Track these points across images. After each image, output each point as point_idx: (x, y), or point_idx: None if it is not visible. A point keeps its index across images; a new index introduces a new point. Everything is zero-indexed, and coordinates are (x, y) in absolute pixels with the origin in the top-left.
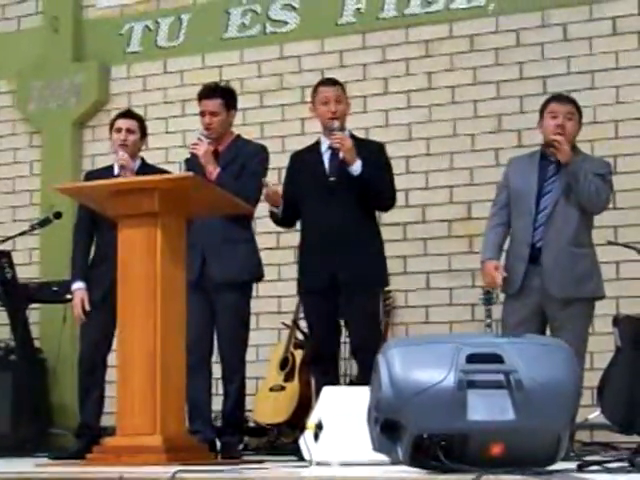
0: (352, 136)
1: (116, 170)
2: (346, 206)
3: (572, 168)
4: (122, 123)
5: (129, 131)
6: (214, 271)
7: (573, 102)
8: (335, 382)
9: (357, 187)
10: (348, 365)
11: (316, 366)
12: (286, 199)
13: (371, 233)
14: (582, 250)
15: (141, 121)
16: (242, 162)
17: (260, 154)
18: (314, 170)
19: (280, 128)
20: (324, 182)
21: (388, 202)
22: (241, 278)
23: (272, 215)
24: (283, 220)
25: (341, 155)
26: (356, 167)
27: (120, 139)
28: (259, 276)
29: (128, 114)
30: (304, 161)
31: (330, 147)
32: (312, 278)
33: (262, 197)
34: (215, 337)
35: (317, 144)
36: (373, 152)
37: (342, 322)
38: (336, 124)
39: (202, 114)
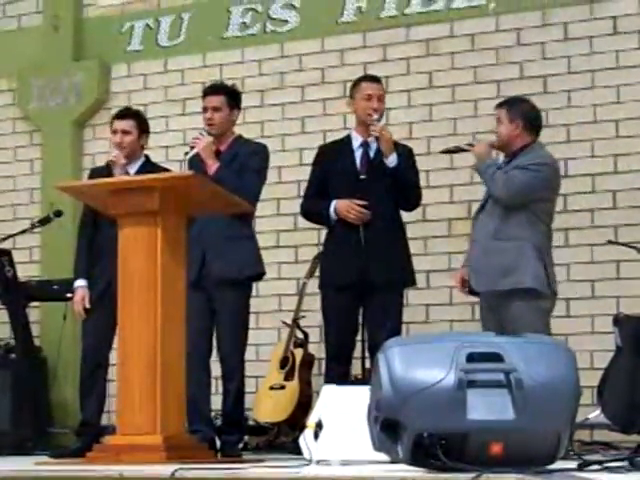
0: None
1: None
2: (376, 204)
3: (475, 166)
4: (117, 125)
5: (124, 132)
6: (215, 268)
7: (503, 104)
8: (346, 382)
9: (389, 182)
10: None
11: (332, 365)
12: (316, 192)
13: (399, 232)
14: (505, 243)
15: (139, 118)
16: (242, 160)
17: (260, 152)
18: (344, 166)
19: (281, 127)
20: (355, 179)
21: (416, 200)
22: (243, 275)
23: (317, 217)
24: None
25: (380, 146)
26: (392, 159)
27: (116, 142)
28: (261, 273)
29: (124, 114)
30: (334, 155)
31: (362, 144)
32: (338, 274)
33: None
34: (215, 336)
35: (348, 139)
36: (402, 153)
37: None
38: (376, 116)
39: (204, 110)
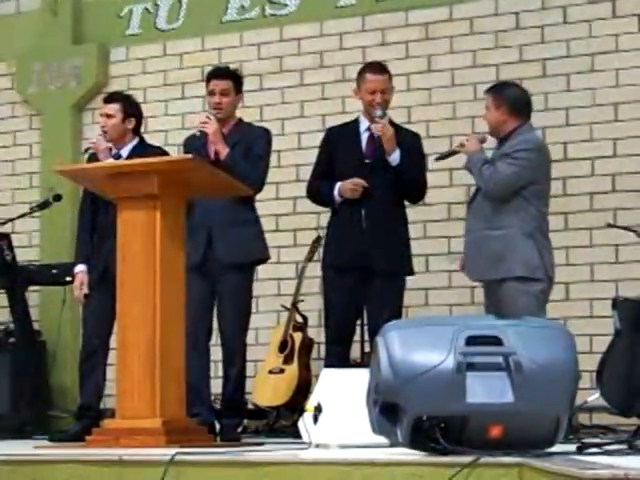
0: (391, 122)
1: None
2: (379, 190)
3: (465, 164)
4: (103, 109)
5: (108, 116)
6: (221, 252)
7: (489, 90)
8: (347, 365)
9: (392, 175)
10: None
11: (332, 347)
12: (322, 173)
13: (401, 220)
14: (495, 232)
15: (124, 101)
16: (247, 145)
17: (264, 136)
18: (350, 150)
19: (280, 111)
20: (360, 163)
21: (419, 193)
22: (250, 259)
23: (321, 198)
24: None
25: (383, 143)
26: (394, 157)
27: (100, 126)
28: (266, 257)
29: (107, 98)
30: (341, 138)
31: (369, 129)
32: (339, 256)
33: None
34: (216, 319)
35: (356, 122)
36: (409, 141)
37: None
38: (379, 112)
39: (211, 93)
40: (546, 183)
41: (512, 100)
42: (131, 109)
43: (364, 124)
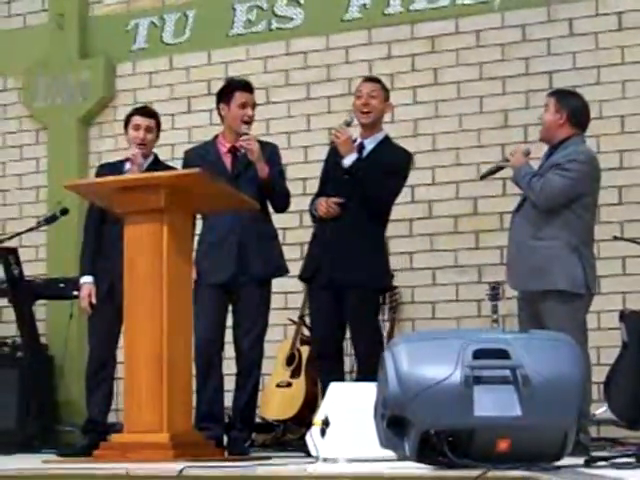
0: (387, 137)
1: (127, 165)
2: (351, 205)
3: (512, 178)
4: (141, 121)
5: (148, 130)
6: (259, 268)
7: (553, 93)
8: (340, 379)
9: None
10: (354, 361)
11: (320, 363)
12: (322, 189)
13: (370, 235)
14: (539, 243)
15: (157, 118)
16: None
17: (278, 153)
18: (338, 165)
19: (286, 124)
20: (340, 179)
21: (373, 206)
22: (280, 273)
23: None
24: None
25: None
26: (346, 160)
27: (139, 138)
28: (287, 270)
29: (146, 112)
30: (335, 154)
31: (358, 145)
32: (312, 272)
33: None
34: (232, 332)
35: (355, 139)
36: (393, 158)
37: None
38: (347, 118)
39: (243, 106)
40: (595, 195)
41: (573, 108)
42: (160, 125)
43: (357, 141)
